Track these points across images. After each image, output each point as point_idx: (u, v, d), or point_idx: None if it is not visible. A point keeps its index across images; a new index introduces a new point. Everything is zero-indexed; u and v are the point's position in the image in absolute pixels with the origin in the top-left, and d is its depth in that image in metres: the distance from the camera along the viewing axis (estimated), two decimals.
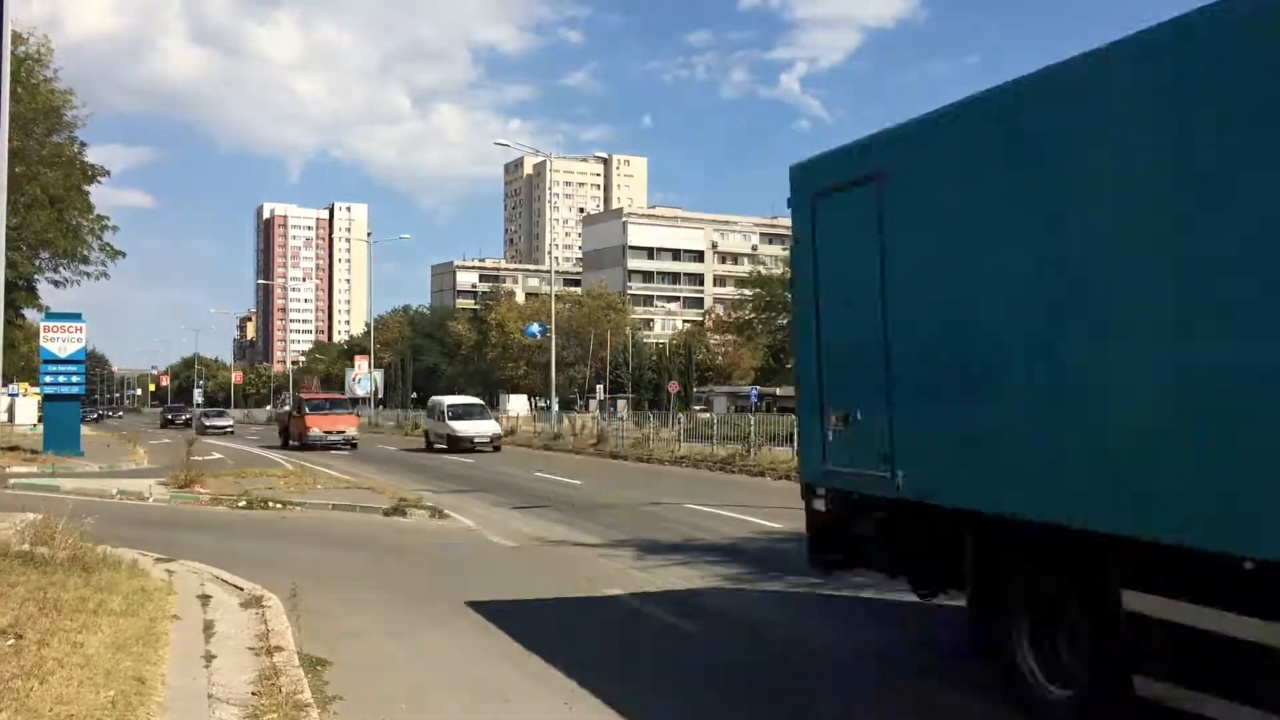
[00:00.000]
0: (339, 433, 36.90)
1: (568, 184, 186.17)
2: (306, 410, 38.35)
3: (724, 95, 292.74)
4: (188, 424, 67.44)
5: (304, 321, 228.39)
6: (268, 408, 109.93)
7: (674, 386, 66.63)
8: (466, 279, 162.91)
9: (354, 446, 36.55)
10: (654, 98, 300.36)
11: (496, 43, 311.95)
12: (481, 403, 41.22)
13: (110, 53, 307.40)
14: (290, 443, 38.70)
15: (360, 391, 75.06)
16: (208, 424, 59.28)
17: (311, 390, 72.15)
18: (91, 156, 32.98)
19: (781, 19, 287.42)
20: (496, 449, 34.62)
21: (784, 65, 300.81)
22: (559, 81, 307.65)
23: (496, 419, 40.33)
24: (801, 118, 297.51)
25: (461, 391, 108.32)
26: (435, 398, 42.26)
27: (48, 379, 31.34)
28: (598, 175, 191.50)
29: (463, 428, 34.74)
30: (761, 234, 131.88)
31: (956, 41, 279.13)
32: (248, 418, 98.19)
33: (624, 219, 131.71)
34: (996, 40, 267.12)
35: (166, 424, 71.52)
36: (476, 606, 9.62)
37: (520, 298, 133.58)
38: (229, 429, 59.51)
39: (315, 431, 36.48)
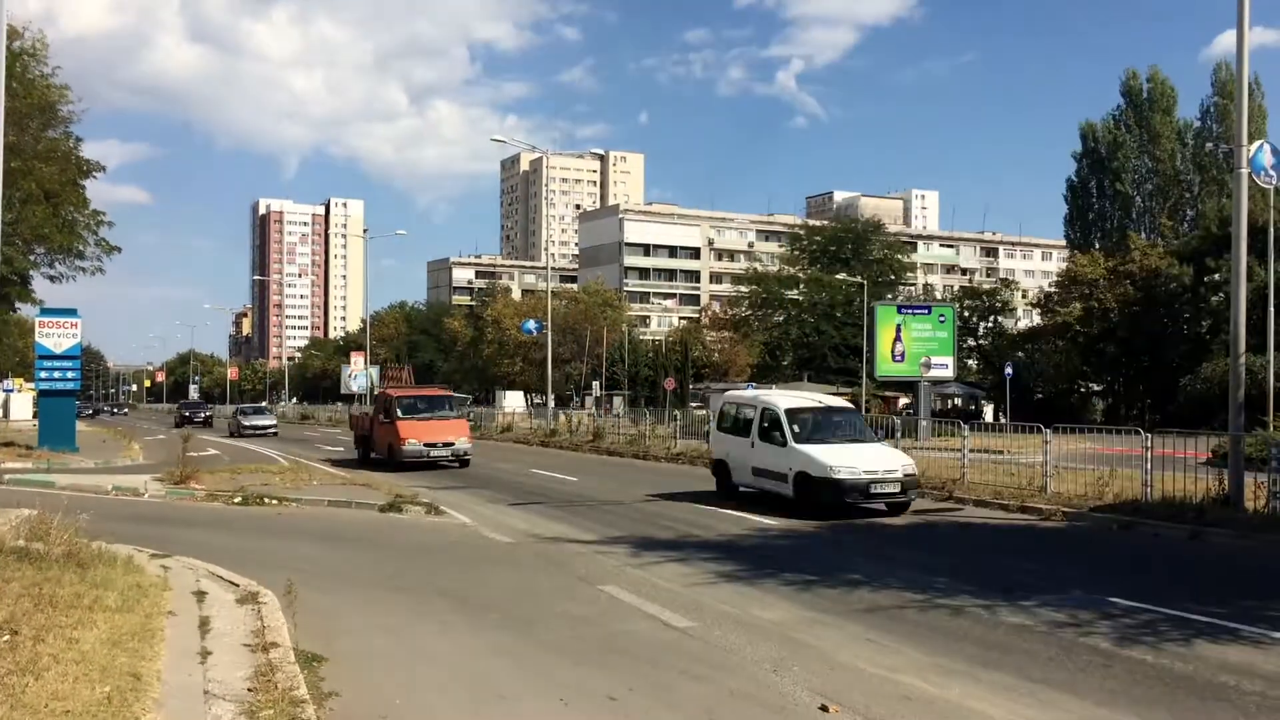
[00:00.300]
0: (445, 444, 26.57)
1: (564, 181, 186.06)
2: (399, 413, 27.07)
3: (720, 93, 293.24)
4: (208, 423, 57.56)
5: (300, 317, 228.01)
6: (263, 404, 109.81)
7: (670, 383, 66.58)
8: (463, 275, 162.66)
9: (466, 464, 26.63)
10: (651, 95, 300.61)
11: (494, 40, 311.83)
12: (845, 404, 21.70)
13: (108, 50, 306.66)
14: (372, 455, 28.28)
15: (356, 388, 75.04)
16: (246, 424, 47.96)
17: (402, 381, 53.61)
18: (88, 152, 32.88)
19: (778, 16, 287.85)
20: (904, 505, 16.58)
21: (780, 62, 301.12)
22: (556, 78, 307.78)
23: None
24: (798, 115, 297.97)
25: (457, 388, 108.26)
26: (740, 393, 24.76)
27: (43, 374, 31.29)
28: (594, 172, 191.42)
29: (831, 459, 16.42)
30: (758, 231, 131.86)
31: (953, 39, 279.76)
32: None
33: (620, 216, 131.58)
34: (993, 38, 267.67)
35: (184, 422, 55.66)
36: (472, 603, 9.63)
37: (516, 294, 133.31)
38: (272, 429, 48.06)
39: (412, 444, 26.17)
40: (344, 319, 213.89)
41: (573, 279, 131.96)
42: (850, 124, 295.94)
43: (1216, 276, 47.27)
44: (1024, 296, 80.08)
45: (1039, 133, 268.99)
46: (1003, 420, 51.67)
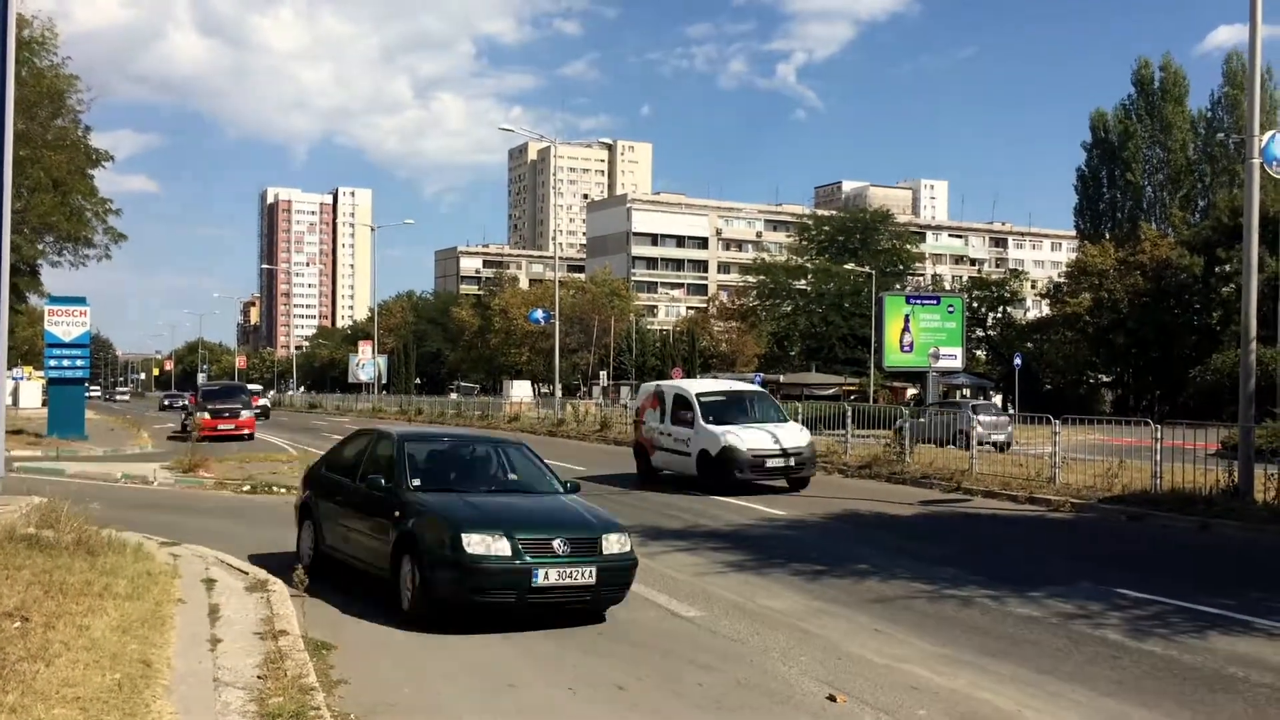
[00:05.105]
0: None
1: (572, 170, 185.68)
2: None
3: (722, 86, 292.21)
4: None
5: (308, 306, 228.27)
6: (271, 393, 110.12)
7: (677, 373, 66.54)
8: (470, 265, 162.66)
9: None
10: (653, 87, 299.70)
11: (497, 34, 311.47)
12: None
13: (119, 42, 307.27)
14: None
15: (364, 377, 75.24)
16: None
17: None
18: (101, 142, 33.02)
19: (778, 11, 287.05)
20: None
21: (781, 56, 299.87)
22: (559, 71, 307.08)
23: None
24: (798, 108, 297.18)
25: (464, 377, 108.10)
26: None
27: (52, 363, 31.38)
28: (602, 161, 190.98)
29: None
30: (766, 221, 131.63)
31: (949, 35, 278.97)
32: None
33: (628, 205, 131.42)
34: (988, 33, 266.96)
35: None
36: None
37: (524, 284, 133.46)
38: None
39: None
40: (352, 308, 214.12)
41: (580, 269, 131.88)
42: (856, 116, 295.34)
43: (1227, 267, 47.11)
44: (1033, 287, 79.91)
45: (1047, 123, 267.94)
46: (1011, 411, 51.62)
